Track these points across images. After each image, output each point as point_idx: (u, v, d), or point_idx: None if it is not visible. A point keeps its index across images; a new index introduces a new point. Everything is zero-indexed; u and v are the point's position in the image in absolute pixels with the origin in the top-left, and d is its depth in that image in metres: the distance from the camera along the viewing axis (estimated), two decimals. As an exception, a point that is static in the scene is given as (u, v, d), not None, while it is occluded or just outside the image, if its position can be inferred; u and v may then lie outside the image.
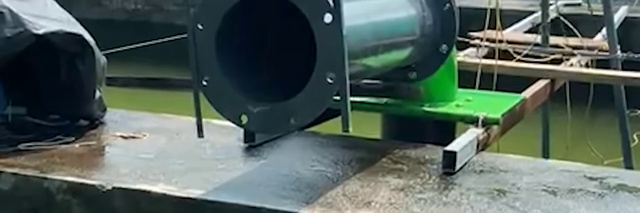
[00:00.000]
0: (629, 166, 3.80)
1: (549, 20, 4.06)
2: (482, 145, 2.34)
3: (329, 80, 1.88)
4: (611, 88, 3.85)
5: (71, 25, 2.39)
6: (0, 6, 2.30)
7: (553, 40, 3.97)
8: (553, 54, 3.72)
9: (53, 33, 2.31)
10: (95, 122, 2.50)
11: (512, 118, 2.59)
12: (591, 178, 2.10)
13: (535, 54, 3.67)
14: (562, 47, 3.82)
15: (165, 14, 8.64)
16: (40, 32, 2.28)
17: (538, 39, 3.96)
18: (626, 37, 4.09)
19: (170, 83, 3.24)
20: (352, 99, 1.91)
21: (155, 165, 2.16)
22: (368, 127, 2.52)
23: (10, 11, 2.28)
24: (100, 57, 2.45)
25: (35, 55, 2.38)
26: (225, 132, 2.37)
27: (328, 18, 1.87)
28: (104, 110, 2.54)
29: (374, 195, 1.97)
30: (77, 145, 2.32)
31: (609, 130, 4.21)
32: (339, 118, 1.97)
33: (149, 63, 6.24)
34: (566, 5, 5.32)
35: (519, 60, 3.52)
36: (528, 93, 2.92)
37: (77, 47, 2.38)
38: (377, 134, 2.71)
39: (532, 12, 4.88)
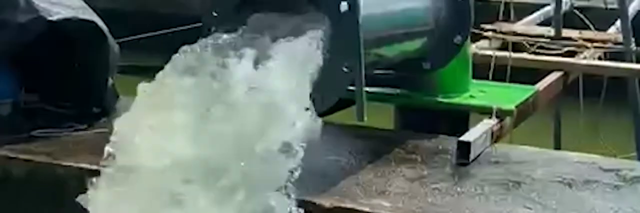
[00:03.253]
0: (642, 160, 3.78)
1: (562, 12, 4.04)
2: (495, 137, 2.33)
3: (345, 69, 1.88)
4: (625, 81, 3.83)
5: (85, 12, 2.38)
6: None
7: (566, 32, 3.94)
8: (566, 46, 3.70)
9: (67, 20, 2.30)
10: (107, 110, 2.50)
11: (526, 110, 2.58)
12: (606, 170, 2.09)
13: (548, 46, 3.65)
14: (575, 40, 3.79)
15: (175, 4, 8.63)
16: (54, 18, 2.28)
17: (551, 31, 3.94)
18: (640, 30, 4.05)
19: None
20: (365, 89, 1.90)
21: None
22: (381, 117, 2.51)
23: (25, -2, 2.27)
24: (114, 45, 2.45)
25: (48, 41, 2.38)
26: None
27: (344, 7, 1.86)
28: (117, 97, 2.54)
29: (388, 185, 1.96)
30: (89, 132, 2.32)
31: (622, 124, 4.19)
32: (351, 108, 1.96)
33: (160, 52, 6.24)
34: (579, -3, 5.28)
35: (532, 53, 3.51)
36: (541, 85, 2.91)
37: (91, 34, 2.38)
38: (389, 125, 2.70)
39: (545, 5, 4.85)
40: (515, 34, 3.61)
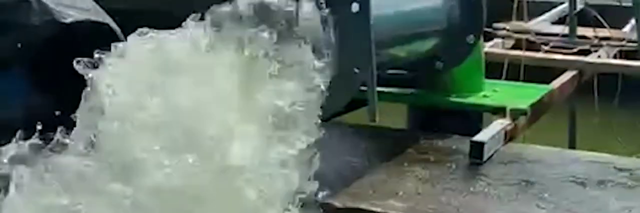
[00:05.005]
0: (657, 159, 3.75)
1: (576, 11, 4.02)
2: (509, 136, 2.32)
3: (355, 70, 1.87)
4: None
5: (97, 14, 2.38)
6: (25, -6, 2.30)
7: (581, 31, 3.92)
8: (581, 45, 3.68)
9: (80, 22, 2.30)
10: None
11: (540, 109, 2.57)
12: (620, 170, 2.08)
13: (563, 45, 3.64)
14: (589, 38, 3.77)
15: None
16: (67, 21, 2.28)
17: (565, 30, 3.92)
18: (655, 28, 4.02)
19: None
20: (377, 89, 1.90)
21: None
22: (393, 117, 2.51)
23: (37, 0, 2.28)
24: (127, 47, 2.45)
25: (61, 44, 2.39)
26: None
27: (355, 7, 1.85)
28: (130, 99, 2.54)
29: (401, 185, 1.96)
30: (103, 134, 2.33)
31: (637, 123, 4.17)
32: (364, 108, 1.96)
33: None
34: (594, -4, 5.25)
35: (546, 51, 3.50)
36: (555, 84, 2.90)
37: (104, 36, 2.38)
38: (402, 125, 2.70)
39: (559, 3, 4.83)
40: (528, 32, 3.60)
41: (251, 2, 1.71)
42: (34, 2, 2.28)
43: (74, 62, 2.17)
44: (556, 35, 3.76)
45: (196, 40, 1.69)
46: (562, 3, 4.46)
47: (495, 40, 3.66)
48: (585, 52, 3.59)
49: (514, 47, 3.50)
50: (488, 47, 3.38)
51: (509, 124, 2.33)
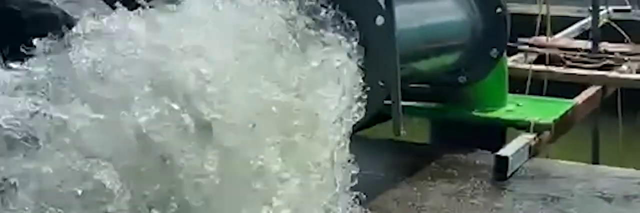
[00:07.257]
0: (681, 175, 3.71)
1: (599, 26, 4.00)
2: (533, 151, 2.31)
3: (380, 83, 1.87)
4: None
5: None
6: (52, 8, 2.31)
7: (603, 46, 3.90)
8: (604, 60, 3.66)
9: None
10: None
11: (564, 124, 2.55)
12: (646, 185, 2.07)
13: (585, 60, 3.62)
14: (612, 53, 3.75)
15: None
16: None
17: (588, 44, 3.90)
18: (679, 43, 3.99)
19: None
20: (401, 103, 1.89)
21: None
22: (416, 131, 2.50)
23: (63, 13, 2.29)
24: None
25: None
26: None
27: (380, 21, 1.85)
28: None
29: (425, 199, 1.95)
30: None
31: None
32: (387, 122, 1.95)
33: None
34: (616, 10, 5.23)
35: (569, 66, 3.48)
36: (579, 99, 2.88)
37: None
38: (425, 139, 2.69)
39: (581, 18, 4.81)
40: (551, 47, 3.58)
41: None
42: (60, 15, 2.30)
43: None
44: (579, 50, 3.74)
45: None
46: (584, 18, 4.45)
47: (519, 54, 3.65)
48: (609, 67, 3.57)
49: (537, 62, 3.48)
50: (511, 61, 3.37)
51: (533, 139, 2.31)
